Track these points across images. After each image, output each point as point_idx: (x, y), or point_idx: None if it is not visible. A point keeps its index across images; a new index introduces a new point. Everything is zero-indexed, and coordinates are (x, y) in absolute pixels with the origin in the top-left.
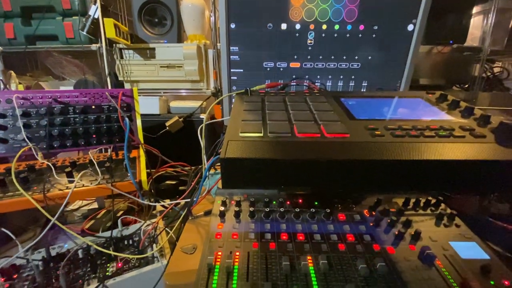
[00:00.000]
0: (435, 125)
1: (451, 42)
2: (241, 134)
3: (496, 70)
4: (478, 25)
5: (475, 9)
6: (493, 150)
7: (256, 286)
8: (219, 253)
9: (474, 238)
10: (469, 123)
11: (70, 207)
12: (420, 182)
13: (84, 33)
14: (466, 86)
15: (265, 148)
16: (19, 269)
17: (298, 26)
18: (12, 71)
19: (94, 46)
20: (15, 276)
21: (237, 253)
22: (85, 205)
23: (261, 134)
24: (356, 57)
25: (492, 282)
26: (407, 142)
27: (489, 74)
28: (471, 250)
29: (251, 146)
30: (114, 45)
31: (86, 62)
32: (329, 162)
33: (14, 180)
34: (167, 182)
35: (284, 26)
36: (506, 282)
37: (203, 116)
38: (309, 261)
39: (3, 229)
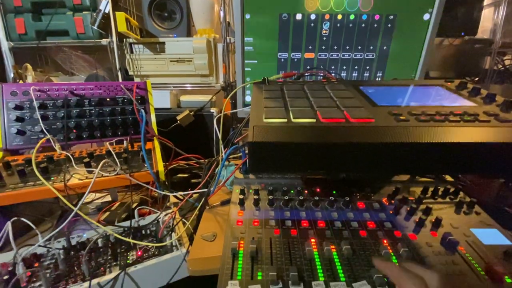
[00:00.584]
0: (458, 111)
1: (462, 34)
2: (265, 120)
3: (507, 62)
4: (489, 17)
5: (486, 1)
6: None
7: (281, 270)
8: (242, 239)
9: (495, 225)
10: (492, 109)
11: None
12: (448, 165)
13: (95, 27)
14: (477, 78)
15: (291, 132)
16: (40, 257)
17: (313, 16)
18: (28, 64)
19: (104, 41)
20: (36, 265)
21: (260, 239)
22: (98, 198)
23: (286, 120)
24: (371, 47)
25: None
26: (433, 126)
27: (500, 66)
28: (492, 236)
29: (277, 131)
30: (124, 39)
31: (96, 57)
32: (357, 145)
33: (35, 170)
34: (179, 175)
35: (299, 16)
36: None
37: (213, 110)
38: (332, 247)
39: (22, 218)
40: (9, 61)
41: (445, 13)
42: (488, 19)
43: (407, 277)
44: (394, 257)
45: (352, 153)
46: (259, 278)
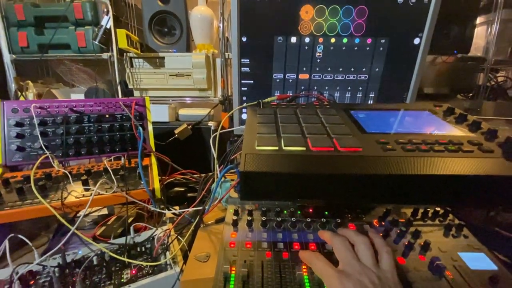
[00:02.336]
0: (444, 140)
1: (455, 52)
2: (257, 148)
3: (500, 79)
4: (482, 35)
5: (479, 20)
6: (502, 165)
7: None
8: (234, 261)
9: (482, 249)
10: (477, 138)
11: (80, 213)
12: (431, 196)
13: (96, 42)
14: (470, 95)
15: (282, 162)
16: (35, 275)
17: (307, 40)
18: (30, 81)
19: (105, 55)
20: (32, 282)
21: (252, 263)
22: (95, 211)
23: (277, 148)
24: (364, 69)
25: None
26: (418, 156)
27: (493, 83)
28: (479, 261)
29: (268, 160)
30: (124, 54)
31: (96, 70)
32: (344, 176)
33: (34, 189)
34: (176, 188)
35: (293, 39)
36: None
37: (211, 123)
38: None
39: (19, 235)
40: (10, 73)
41: (438, 32)
42: (481, 37)
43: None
44: None
45: (340, 183)
46: None
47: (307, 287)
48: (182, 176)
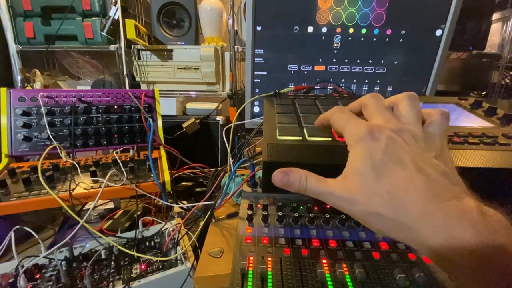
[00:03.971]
0: (477, 132)
1: (470, 48)
2: (279, 137)
3: None
4: (497, 32)
5: (494, 16)
6: None
7: None
8: (251, 258)
9: None
10: (511, 131)
11: (87, 206)
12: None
13: (104, 33)
14: (484, 93)
15: (306, 152)
16: (41, 268)
17: (324, 29)
18: (37, 70)
19: (112, 47)
20: (37, 276)
21: (269, 259)
22: (101, 204)
23: (301, 138)
24: (382, 62)
25: None
26: (453, 149)
27: (507, 81)
28: None
29: (292, 150)
30: (132, 46)
31: (103, 62)
32: None
33: (41, 179)
34: (184, 183)
35: (310, 29)
36: None
37: (219, 118)
38: (345, 269)
39: (25, 227)
40: (16, 64)
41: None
42: (496, 34)
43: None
44: (408, 281)
45: None
46: None
47: (330, 285)
48: (189, 171)
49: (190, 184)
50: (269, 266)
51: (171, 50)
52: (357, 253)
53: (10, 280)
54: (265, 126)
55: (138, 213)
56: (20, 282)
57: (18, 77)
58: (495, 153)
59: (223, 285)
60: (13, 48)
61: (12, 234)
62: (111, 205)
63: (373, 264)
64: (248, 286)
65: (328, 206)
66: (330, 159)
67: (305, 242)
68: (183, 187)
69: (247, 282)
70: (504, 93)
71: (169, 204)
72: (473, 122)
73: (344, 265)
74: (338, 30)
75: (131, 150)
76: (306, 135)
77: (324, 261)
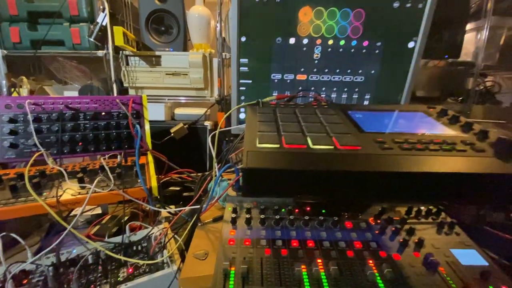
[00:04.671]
0: (438, 139)
1: (446, 56)
2: (258, 145)
3: (488, 84)
4: (471, 41)
5: (468, 26)
6: (493, 163)
7: None
8: (233, 258)
9: (473, 246)
10: (469, 138)
11: (73, 212)
12: (426, 193)
13: (92, 39)
14: (461, 98)
15: (283, 159)
16: (28, 274)
17: (305, 41)
18: (24, 77)
19: (100, 53)
20: (25, 282)
21: (251, 260)
22: (88, 210)
23: (278, 146)
24: (360, 71)
25: (491, 287)
26: (414, 155)
27: (482, 87)
28: (471, 257)
29: (270, 157)
30: (120, 51)
31: (91, 67)
32: (344, 172)
33: (28, 186)
34: (171, 188)
35: (292, 40)
36: (504, 287)
37: (207, 123)
38: (320, 267)
39: (12, 234)
40: (1, 69)
41: (430, 37)
42: (471, 43)
43: None
44: (378, 277)
45: (339, 180)
46: None
47: (306, 283)
48: (177, 175)
49: (178, 188)
50: (250, 266)
51: (160, 56)
52: (332, 252)
53: None
54: (247, 134)
55: (126, 218)
56: (8, 287)
57: (3, 82)
58: (450, 159)
59: (208, 286)
60: None
61: None
62: (98, 210)
63: (347, 262)
64: (230, 285)
65: (308, 209)
66: (304, 166)
67: (285, 243)
68: (171, 192)
69: (229, 281)
70: (479, 99)
71: (156, 209)
72: (437, 130)
73: (320, 263)
74: (318, 41)
75: (119, 156)
76: (284, 143)
77: (302, 260)
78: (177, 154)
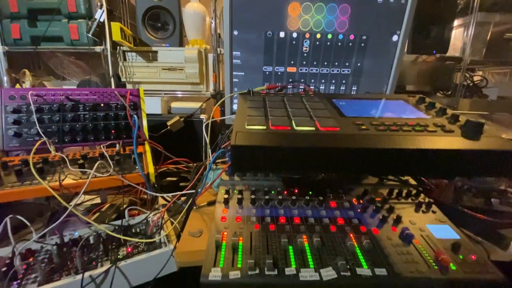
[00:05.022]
0: (412, 122)
1: (434, 52)
2: (247, 127)
3: (476, 78)
4: (459, 37)
5: (456, 22)
6: (458, 141)
7: (259, 259)
8: (225, 233)
9: (448, 222)
10: (441, 121)
11: (74, 202)
12: (397, 167)
13: (90, 35)
14: (449, 93)
15: (268, 138)
16: (34, 253)
17: (295, 35)
18: (26, 70)
19: (98, 48)
20: (31, 259)
21: (241, 233)
22: (88, 200)
23: (265, 127)
24: (347, 64)
25: (461, 257)
26: (388, 135)
27: (469, 82)
28: (444, 231)
29: (256, 136)
30: (118, 47)
31: (89, 63)
32: (323, 149)
33: (33, 169)
34: (168, 178)
35: (282, 34)
36: (473, 257)
37: (203, 116)
38: (305, 239)
39: (18, 216)
40: (2, 64)
41: (419, 33)
42: (459, 39)
43: None
44: (357, 248)
45: (319, 156)
46: (239, 265)
47: (291, 252)
48: (174, 166)
49: (175, 179)
50: (240, 239)
51: (156, 52)
52: (317, 227)
53: (6, 262)
54: (237, 117)
55: (125, 205)
56: (16, 262)
57: (5, 78)
58: (420, 138)
59: (202, 259)
60: None
61: (8, 220)
62: (98, 200)
63: (329, 235)
64: (221, 255)
65: (296, 190)
66: (287, 143)
67: (273, 220)
68: (168, 182)
69: (220, 251)
70: (466, 93)
71: (153, 193)
72: (413, 114)
73: (304, 236)
74: (307, 35)
75: (117, 145)
76: (270, 125)
77: (288, 233)
78: (174, 146)
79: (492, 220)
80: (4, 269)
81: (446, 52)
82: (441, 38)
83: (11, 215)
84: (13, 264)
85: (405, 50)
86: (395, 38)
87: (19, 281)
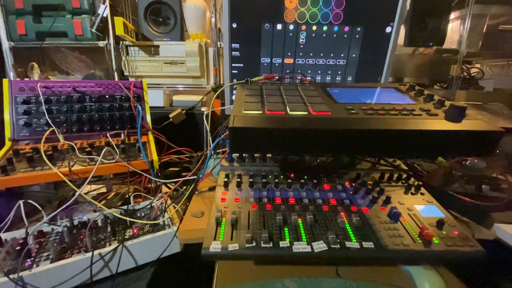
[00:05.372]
0: (400, 107)
1: (430, 44)
2: (244, 112)
3: (473, 70)
4: (456, 29)
5: (453, 15)
6: (440, 123)
7: (256, 234)
8: (225, 212)
9: (435, 203)
10: (427, 106)
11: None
12: (383, 148)
13: (93, 30)
14: (446, 85)
15: (264, 121)
16: (46, 234)
17: (291, 27)
18: (35, 63)
19: (101, 43)
20: (43, 240)
21: (240, 212)
22: (94, 190)
23: (261, 112)
24: (342, 55)
25: (444, 232)
26: (375, 118)
27: (465, 74)
28: (431, 210)
29: (253, 119)
30: (120, 42)
31: (93, 58)
32: (314, 130)
33: (44, 156)
34: (171, 168)
35: (279, 26)
36: (456, 232)
37: (204, 109)
38: (299, 217)
39: (30, 201)
40: (9, 60)
41: (416, 25)
42: (455, 31)
43: None
44: (347, 224)
45: (311, 138)
46: (237, 239)
47: (285, 228)
48: (177, 156)
49: (177, 169)
50: (239, 216)
51: (158, 46)
52: (310, 206)
53: (20, 241)
54: (234, 104)
55: (130, 193)
56: (29, 241)
57: (11, 73)
58: (406, 120)
59: (203, 236)
60: (5, 44)
61: (21, 203)
62: (103, 189)
63: (322, 214)
64: (221, 230)
65: (292, 175)
66: (281, 125)
67: (270, 200)
68: (171, 172)
69: (221, 227)
70: (463, 85)
71: (157, 180)
72: (402, 101)
73: (298, 214)
74: (303, 27)
75: (122, 134)
76: (266, 109)
77: (283, 212)
78: (176, 138)
79: (479, 204)
80: (18, 247)
81: (443, 44)
82: (438, 30)
83: (23, 200)
84: (26, 244)
85: (403, 43)
86: (388, 29)
87: (32, 258)
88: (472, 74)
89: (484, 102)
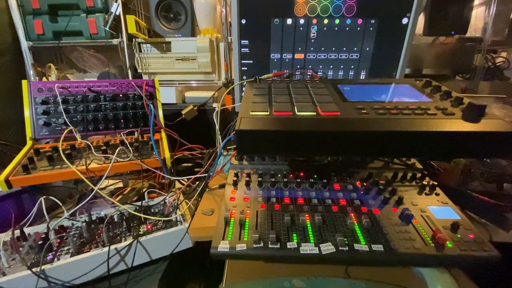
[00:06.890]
0: (413, 106)
1: (452, 33)
2: (251, 113)
3: (498, 60)
4: (480, 16)
5: (477, 1)
6: (457, 124)
7: (264, 234)
8: (233, 211)
9: (450, 204)
10: (444, 104)
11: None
12: (395, 150)
13: (107, 28)
14: (468, 76)
15: (270, 122)
16: (66, 229)
17: (302, 21)
18: (52, 64)
19: (115, 41)
20: (63, 235)
21: (248, 212)
22: (111, 184)
23: (268, 113)
24: (355, 49)
25: (458, 235)
26: (386, 118)
27: (490, 64)
28: (445, 212)
29: (259, 121)
30: (133, 39)
31: (107, 55)
32: (322, 133)
33: (62, 155)
34: (184, 164)
35: (289, 21)
36: (471, 236)
37: (215, 105)
38: (307, 217)
39: (51, 197)
40: (28, 59)
41: (437, 13)
42: (480, 18)
43: None
44: (356, 226)
45: (319, 139)
46: (245, 239)
47: (293, 230)
48: (189, 153)
49: (190, 165)
50: (247, 216)
51: (169, 43)
52: (319, 207)
53: (42, 236)
54: (242, 105)
55: (144, 188)
56: (51, 236)
57: (31, 72)
58: (419, 121)
59: (212, 234)
60: (24, 44)
61: (42, 199)
62: (120, 184)
63: (330, 214)
64: (230, 230)
65: (301, 174)
66: (287, 127)
67: (278, 200)
68: (184, 168)
69: (229, 227)
70: (487, 75)
71: (169, 177)
72: (416, 98)
73: (307, 215)
74: (314, 21)
75: (136, 132)
76: (273, 111)
77: (292, 212)
78: (188, 134)
79: (498, 203)
80: (40, 242)
81: (466, 32)
82: (460, 18)
83: (44, 196)
84: (48, 238)
85: (421, 32)
86: (405, 21)
87: (54, 252)
88: (497, 64)
89: (509, 95)
